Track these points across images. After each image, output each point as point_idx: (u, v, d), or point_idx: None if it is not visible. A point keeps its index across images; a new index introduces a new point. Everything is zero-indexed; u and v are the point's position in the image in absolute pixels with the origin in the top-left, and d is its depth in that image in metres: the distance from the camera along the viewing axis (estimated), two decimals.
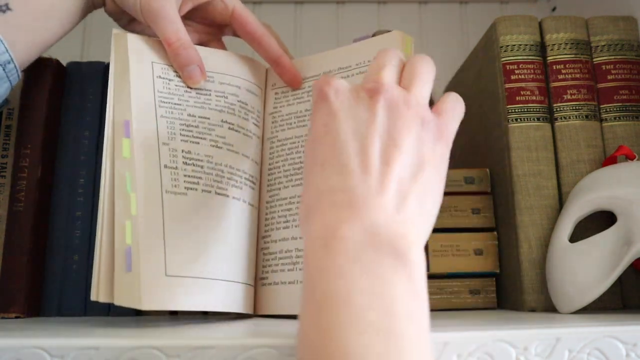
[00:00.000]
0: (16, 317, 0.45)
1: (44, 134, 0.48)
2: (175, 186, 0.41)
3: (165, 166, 0.42)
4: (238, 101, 0.47)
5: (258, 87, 0.50)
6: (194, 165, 0.43)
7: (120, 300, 0.37)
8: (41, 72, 0.49)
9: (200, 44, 0.51)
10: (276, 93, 0.50)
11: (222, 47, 0.53)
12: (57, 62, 0.51)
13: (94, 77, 0.51)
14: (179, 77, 0.46)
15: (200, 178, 0.42)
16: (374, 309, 0.26)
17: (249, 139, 0.47)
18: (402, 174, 0.31)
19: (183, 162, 0.42)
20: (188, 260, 0.40)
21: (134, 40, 0.45)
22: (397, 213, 0.30)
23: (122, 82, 0.43)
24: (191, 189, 0.42)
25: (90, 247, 0.47)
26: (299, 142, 0.47)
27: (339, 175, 0.31)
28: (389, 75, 0.35)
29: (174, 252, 0.39)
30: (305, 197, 0.32)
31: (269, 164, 0.48)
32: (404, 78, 0.36)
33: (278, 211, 0.46)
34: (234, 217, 0.44)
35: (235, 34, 0.52)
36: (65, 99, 0.51)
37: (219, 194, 0.43)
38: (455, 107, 0.36)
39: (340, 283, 0.27)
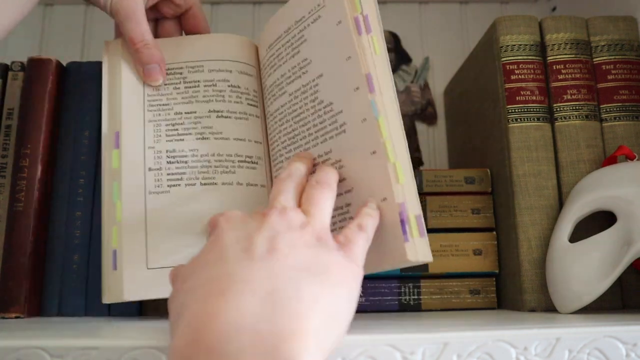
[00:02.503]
0: (16, 317, 0.45)
1: (44, 134, 0.48)
2: (159, 186, 0.44)
3: (150, 169, 0.44)
4: (229, 86, 0.48)
5: (251, 67, 0.50)
6: (177, 162, 0.45)
7: (108, 298, 0.42)
8: (41, 72, 0.49)
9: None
10: (262, 68, 0.50)
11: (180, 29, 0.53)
12: (57, 62, 0.51)
13: (94, 77, 0.51)
14: (169, 74, 0.47)
15: (183, 174, 0.45)
16: None
17: (243, 121, 0.47)
18: (291, 261, 0.28)
19: (167, 161, 0.45)
20: (169, 253, 0.43)
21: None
22: (285, 303, 0.26)
23: (113, 92, 0.46)
24: (174, 185, 0.45)
25: (91, 247, 0.47)
26: (284, 110, 0.46)
27: (218, 263, 0.28)
28: (284, 199, 0.34)
29: (155, 247, 0.43)
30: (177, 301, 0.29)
31: (270, 140, 0.48)
32: (302, 204, 0.35)
33: None
34: (225, 201, 0.45)
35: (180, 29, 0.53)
36: (65, 99, 0.51)
37: (204, 184, 0.45)
38: (360, 236, 0.34)
39: None
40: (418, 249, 0.37)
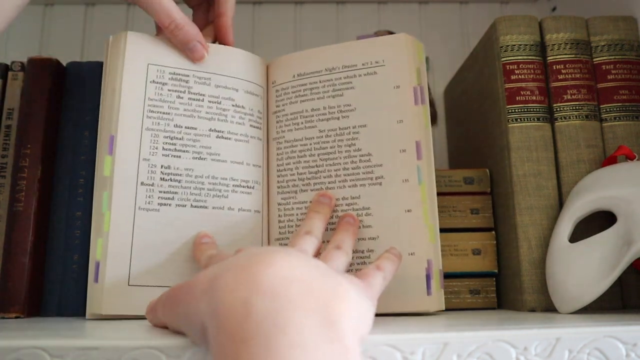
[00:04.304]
0: (16, 317, 0.45)
1: (44, 134, 0.48)
2: (149, 203, 0.44)
3: (142, 183, 0.44)
4: (233, 105, 0.47)
5: (259, 87, 0.50)
6: (171, 180, 0.44)
7: (89, 309, 0.42)
8: (41, 72, 0.49)
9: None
10: (277, 91, 0.50)
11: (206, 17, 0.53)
12: (57, 62, 0.51)
13: (94, 77, 0.51)
14: (174, 80, 0.46)
15: (175, 193, 0.44)
16: None
17: (244, 143, 0.47)
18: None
19: (160, 177, 0.44)
20: (152, 271, 0.43)
21: (133, 39, 0.46)
22: (329, 273, 0.28)
23: (113, 91, 0.45)
24: (164, 204, 0.44)
25: (90, 247, 0.47)
26: (310, 144, 0.47)
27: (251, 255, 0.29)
28: (304, 245, 0.39)
29: (139, 264, 0.42)
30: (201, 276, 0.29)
31: (278, 165, 0.48)
32: (332, 241, 0.40)
33: (297, 214, 0.47)
34: (214, 226, 0.45)
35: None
36: (65, 99, 0.51)
37: (195, 206, 0.45)
38: (377, 274, 0.37)
39: None
40: (438, 300, 0.43)
